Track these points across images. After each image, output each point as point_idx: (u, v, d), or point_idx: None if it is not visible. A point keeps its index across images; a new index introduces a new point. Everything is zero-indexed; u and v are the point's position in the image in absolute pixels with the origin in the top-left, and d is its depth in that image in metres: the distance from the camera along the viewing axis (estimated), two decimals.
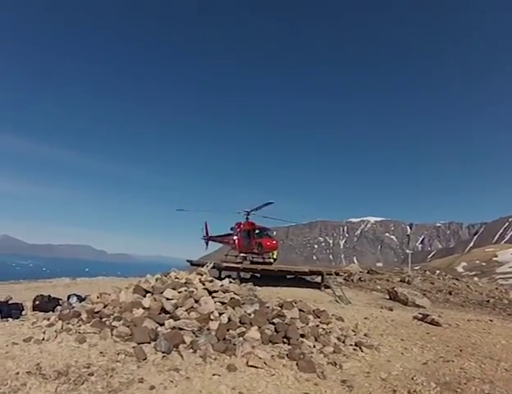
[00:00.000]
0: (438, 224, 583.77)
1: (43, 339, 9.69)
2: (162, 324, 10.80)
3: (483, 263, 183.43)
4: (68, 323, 10.86)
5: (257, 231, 32.02)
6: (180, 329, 10.55)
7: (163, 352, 9.19)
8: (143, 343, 9.55)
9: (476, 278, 67.79)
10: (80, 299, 14.48)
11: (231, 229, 35.47)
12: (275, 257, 32.78)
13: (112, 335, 9.96)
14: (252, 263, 31.98)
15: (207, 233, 39.43)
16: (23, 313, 13.27)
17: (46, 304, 13.88)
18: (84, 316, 11.22)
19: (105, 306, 12.01)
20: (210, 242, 39.33)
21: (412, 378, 9.22)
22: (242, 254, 33.05)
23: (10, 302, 13.59)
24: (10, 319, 12.26)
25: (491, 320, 17.55)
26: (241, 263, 30.60)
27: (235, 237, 33.95)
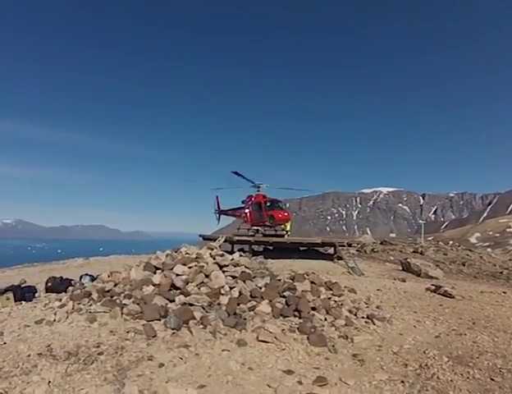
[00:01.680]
0: (451, 194, 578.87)
1: (54, 320, 9.80)
2: (172, 301, 10.82)
3: (497, 234, 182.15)
4: (79, 303, 10.97)
5: (268, 204, 31.95)
6: (191, 305, 10.57)
7: (173, 329, 9.21)
8: (153, 320, 9.59)
9: (489, 249, 67.41)
10: (93, 278, 14.59)
11: (243, 202, 35.45)
12: (288, 229, 32.72)
13: (122, 313, 10.02)
14: (264, 236, 32.01)
15: (218, 207, 39.43)
16: (36, 295, 13.40)
17: (58, 286, 14.00)
18: (94, 295, 11.29)
19: (116, 285, 12.09)
20: (223, 216, 39.38)
21: (424, 352, 9.11)
22: (254, 227, 33.07)
23: (23, 285, 13.70)
24: (23, 302, 12.40)
25: (504, 292, 17.30)
26: (253, 236, 30.62)
27: (247, 210, 33.94)
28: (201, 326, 9.61)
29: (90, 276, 14.94)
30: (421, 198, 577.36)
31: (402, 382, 7.43)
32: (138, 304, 10.36)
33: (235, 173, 31.01)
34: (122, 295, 11.15)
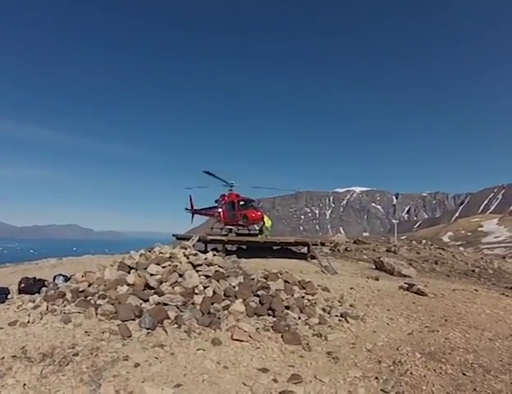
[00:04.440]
0: (424, 194, 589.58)
1: (28, 322, 9.68)
2: (146, 300, 10.85)
3: (469, 233, 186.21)
4: (53, 304, 10.87)
5: (241, 203, 32.10)
6: (165, 304, 10.60)
7: (148, 328, 9.24)
8: (127, 320, 9.60)
9: (461, 248, 68.78)
10: (66, 279, 14.43)
11: (216, 201, 35.54)
12: (269, 229, 32.74)
13: (96, 314, 9.99)
14: (238, 235, 32.12)
15: (192, 206, 39.47)
16: (9, 296, 13.18)
17: (31, 287, 13.77)
18: (68, 296, 11.22)
19: (90, 285, 12.02)
20: (197, 216, 39.42)
21: (397, 349, 9.36)
22: (228, 227, 33.17)
23: None
24: None
25: (476, 290, 17.79)
26: (227, 235, 30.72)
27: (220, 209, 34.04)
28: (176, 325, 9.65)
29: (64, 276, 14.77)
30: (394, 197, 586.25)
31: (376, 378, 7.64)
32: (112, 304, 10.35)
33: (207, 173, 31.06)
34: (96, 295, 11.11)
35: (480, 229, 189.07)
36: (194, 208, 39.41)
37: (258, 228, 32.43)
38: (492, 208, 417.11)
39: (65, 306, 10.67)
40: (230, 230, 32.82)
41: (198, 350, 8.39)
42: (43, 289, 13.32)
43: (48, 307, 10.61)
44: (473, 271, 27.92)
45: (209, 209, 37.07)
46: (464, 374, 8.02)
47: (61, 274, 15.12)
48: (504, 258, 49.71)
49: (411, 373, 7.90)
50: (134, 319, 9.73)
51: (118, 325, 9.27)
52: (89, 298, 11.04)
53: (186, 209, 39.62)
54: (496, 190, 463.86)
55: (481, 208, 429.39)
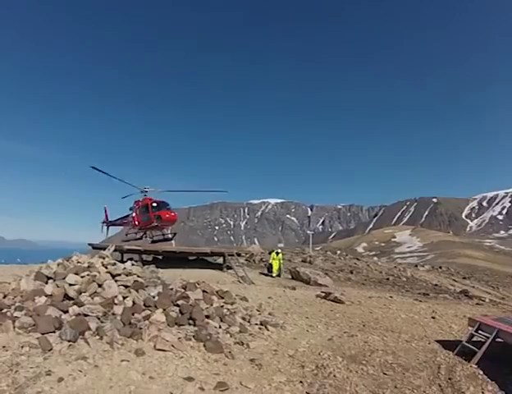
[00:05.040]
0: (339, 206, 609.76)
1: None
2: (66, 311, 10.58)
3: (382, 244, 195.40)
4: None
5: (154, 205, 31.98)
6: (85, 315, 10.41)
7: (69, 341, 9.05)
8: (47, 333, 9.32)
9: (375, 258, 72.13)
10: None
11: (130, 209, 35.13)
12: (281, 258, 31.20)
13: (14, 327, 9.56)
14: (152, 242, 32.04)
15: (106, 218, 38.76)
16: None
17: None
18: None
19: (5, 296, 11.47)
20: (112, 227, 38.86)
21: (319, 354, 9.94)
22: (142, 230, 33.00)
23: None
24: None
25: (391, 297, 19.05)
26: (141, 238, 30.59)
27: (134, 214, 33.67)
28: (97, 337, 9.55)
29: None
30: (309, 209, 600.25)
31: (301, 382, 8.11)
32: (31, 316, 9.97)
33: (95, 168, 30.63)
34: (13, 307, 10.62)
35: (393, 239, 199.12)
36: (109, 219, 38.74)
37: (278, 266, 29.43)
38: (405, 219, 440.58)
39: None
40: (145, 232, 32.63)
41: (122, 361, 8.38)
42: None
43: None
44: (388, 279, 29.56)
45: (124, 218, 36.53)
46: (385, 374, 8.79)
47: None
48: (416, 266, 52.92)
49: (334, 376, 8.46)
50: (54, 331, 9.45)
51: (38, 338, 8.97)
52: (4, 310, 10.50)
53: (103, 223, 38.87)
54: (408, 203, 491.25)
55: (394, 219, 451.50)
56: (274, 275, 27.13)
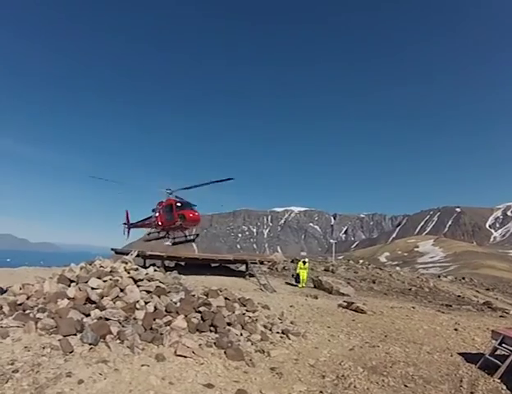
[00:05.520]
0: (362, 215, 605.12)
1: None
2: (87, 315, 10.64)
3: (405, 254, 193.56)
4: None
5: (178, 204, 31.89)
6: (107, 319, 10.45)
7: (90, 344, 9.08)
8: (69, 335, 9.38)
9: (398, 268, 71.32)
10: (2, 291, 13.91)
11: (153, 211, 35.19)
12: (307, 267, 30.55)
13: (36, 328, 9.67)
14: (174, 243, 32.19)
15: (128, 221, 38.94)
16: None
17: None
18: (6, 309, 10.80)
19: (28, 298, 11.62)
20: (133, 230, 38.98)
21: (340, 364, 9.79)
22: (165, 230, 33.08)
23: None
24: None
25: (413, 307, 18.76)
26: (164, 237, 30.69)
27: (157, 214, 33.67)
28: (118, 341, 9.57)
29: None
30: (332, 218, 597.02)
31: (321, 392, 7.99)
32: (53, 318, 10.07)
33: (94, 177, 30.89)
34: (36, 308, 10.75)
35: (416, 249, 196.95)
36: (131, 222, 38.91)
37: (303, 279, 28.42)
38: (428, 229, 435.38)
39: (2, 320, 10.24)
40: (167, 232, 32.72)
41: (142, 365, 8.36)
42: None
43: None
44: (410, 289, 29.17)
45: (145, 220, 36.64)
46: (406, 386, 8.58)
47: None
48: (439, 277, 52.09)
49: (355, 387, 8.30)
50: (75, 334, 9.51)
51: (59, 340, 9.04)
52: (27, 311, 10.66)
53: (124, 224, 39.04)
54: (431, 213, 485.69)
55: (417, 229, 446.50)
56: (301, 286, 26.42)
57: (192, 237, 33.34)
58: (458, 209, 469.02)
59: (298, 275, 27.08)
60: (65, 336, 9.34)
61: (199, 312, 12.03)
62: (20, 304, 11.19)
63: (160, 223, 33.22)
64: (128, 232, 38.72)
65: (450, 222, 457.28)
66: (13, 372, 7.43)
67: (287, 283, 27.17)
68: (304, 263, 27.47)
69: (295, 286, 26.16)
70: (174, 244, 33.05)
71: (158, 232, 33.67)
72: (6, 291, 13.33)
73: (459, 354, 11.43)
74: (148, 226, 36.03)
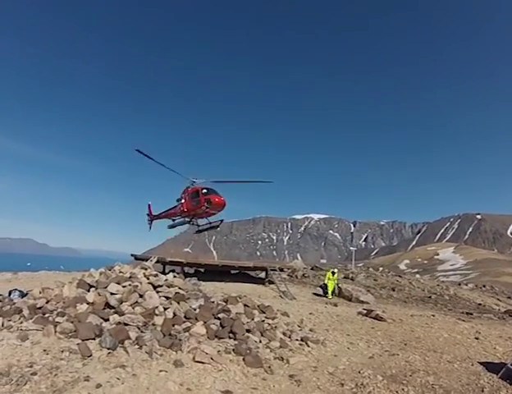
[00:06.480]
0: (382, 223, 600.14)
1: None
2: (106, 320, 10.69)
3: (425, 261, 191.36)
4: (9, 320, 10.55)
5: (204, 191, 32.02)
6: (125, 324, 10.47)
7: (109, 348, 9.10)
8: (87, 339, 9.42)
9: (418, 275, 70.51)
10: (22, 294, 14.04)
11: (177, 200, 35.37)
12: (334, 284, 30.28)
13: (55, 331, 9.76)
14: (198, 231, 32.63)
15: (150, 213, 39.21)
16: None
17: None
18: (25, 312, 10.91)
19: (48, 301, 11.73)
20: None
21: (359, 372, 9.63)
22: (190, 215, 33.26)
23: None
24: None
25: (433, 315, 18.45)
26: (189, 222, 30.84)
27: (183, 200, 33.83)
28: (137, 346, 9.56)
29: (20, 291, 14.35)
30: (352, 225, 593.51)
31: None
32: (72, 322, 10.13)
33: (139, 151, 30.85)
34: (55, 312, 10.86)
35: (436, 257, 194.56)
36: (153, 214, 39.19)
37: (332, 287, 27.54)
38: (448, 236, 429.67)
39: (21, 323, 10.37)
40: (192, 219, 32.90)
41: (160, 371, 8.33)
42: None
43: (3, 323, 10.30)
44: (430, 297, 28.73)
45: (170, 210, 36.86)
46: None
47: (17, 289, 14.68)
48: (459, 284, 51.28)
49: None
50: (94, 338, 9.55)
51: (78, 344, 9.08)
52: (47, 315, 10.75)
53: (147, 215, 39.40)
54: (452, 220, 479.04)
55: (437, 236, 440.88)
56: (329, 297, 25.41)
57: (218, 223, 33.37)
58: (478, 216, 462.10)
59: (326, 285, 26.68)
60: (83, 340, 9.38)
61: (218, 318, 12.00)
62: (39, 308, 11.29)
63: (186, 209, 33.30)
64: (151, 224, 39.08)
65: (470, 230, 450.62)
66: (32, 374, 7.47)
67: (315, 294, 26.60)
68: (333, 273, 26.91)
69: (325, 296, 25.52)
70: (198, 231, 33.20)
71: (184, 217, 33.80)
72: (26, 295, 13.49)
73: (480, 363, 11.16)
74: (173, 216, 36.20)
